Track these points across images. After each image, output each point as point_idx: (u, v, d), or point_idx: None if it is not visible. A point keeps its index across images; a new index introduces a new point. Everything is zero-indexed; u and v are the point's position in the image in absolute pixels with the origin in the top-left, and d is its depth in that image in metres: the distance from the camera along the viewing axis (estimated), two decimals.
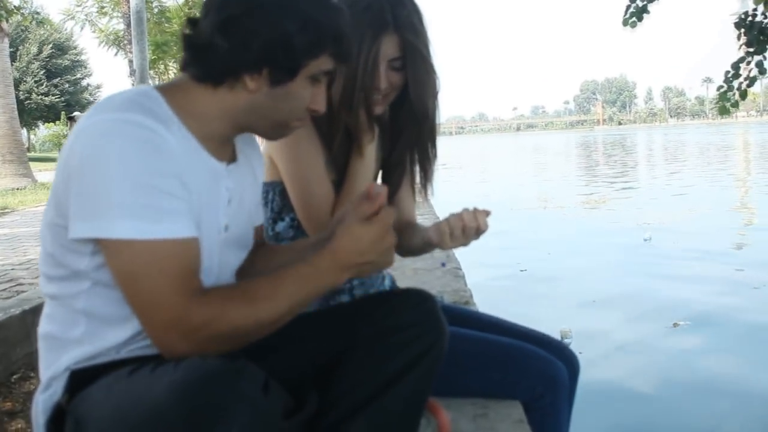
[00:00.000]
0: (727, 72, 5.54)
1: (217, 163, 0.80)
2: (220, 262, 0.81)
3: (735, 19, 5.64)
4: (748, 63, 5.51)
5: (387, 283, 1.23)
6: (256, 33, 0.73)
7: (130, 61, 10.37)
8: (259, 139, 0.92)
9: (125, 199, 0.68)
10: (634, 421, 2.42)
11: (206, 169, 0.78)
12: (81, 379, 0.74)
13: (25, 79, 28.83)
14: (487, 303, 2.48)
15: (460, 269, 2.50)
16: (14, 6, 10.39)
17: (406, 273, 2.43)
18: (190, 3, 14.21)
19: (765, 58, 5.49)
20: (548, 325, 2.95)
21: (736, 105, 5.53)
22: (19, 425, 1.64)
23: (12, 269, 3.10)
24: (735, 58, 5.53)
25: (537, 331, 1.25)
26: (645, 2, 5.65)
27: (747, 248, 5.65)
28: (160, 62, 15.49)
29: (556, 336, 2.50)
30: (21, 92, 26.95)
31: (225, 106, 0.77)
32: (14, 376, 1.98)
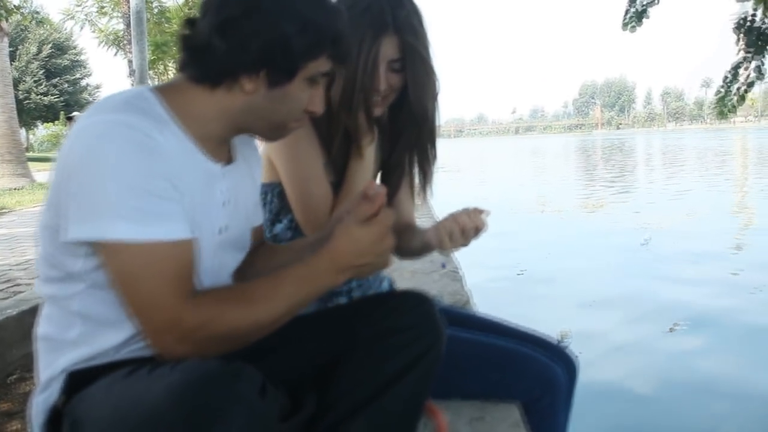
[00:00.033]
0: (726, 76, 5.56)
1: (213, 164, 0.79)
2: (216, 264, 0.81)
3: (734, 22, 5.66)
4: (747, 67, 5.53)
5: (385, 284, 1.23)
6: (254, 34, 0.73)
7: (130, 62, 10.37)
8: (258, 140, 0.92)
9: (119, 201, 0.68)
10: (632, 422, 2.42)
11: (201, 171, 0.77)
12: (78, 380, 0.73)
13: (24, 78, 28.82)
14: (485, 304, 2.48)
15: (459, 271, 2.50)
16: (14, 5, 10.39)
17: (405, 275, 2.43)
18: (190, 3, 14.21)
19: (763, 62, 5.51)
20: (546, 327, 2.96)
21: (734, 109, 5.55)
22: (17, 426, 1.64)
23: (9, 270, 3.09)
24: (735, 62, 5.55)
25: (535, 333, 1.25)
26: (644, 6, 5.67)
27: (744, 251, 5.67)
28: (160, 62, 15.48)
29: (555, 338, 2.51)
30: (20, 92, 26.92)
31: (222, 108, 0.77)
32: (11, 377, 1.98)
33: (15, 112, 10.93)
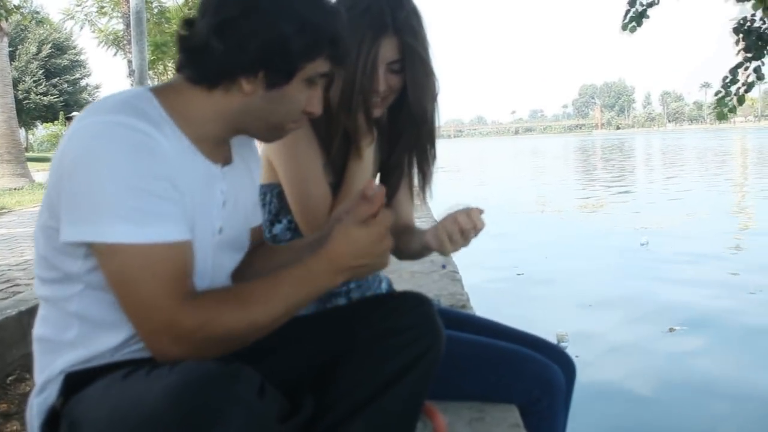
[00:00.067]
0: (725, 77, 5.57)
1: (212, 165, 0.79)
2: (214, 265, 0.80)
3: (733, 24, 5.67)
4: (746, 68, 5.54)
5: (384, 286, 1.23)
6: (252, 35, 0.73)
7: (129, 62, 10.37)
8: (257, 141, 0.92)
9: (117, 202, 0.67)
10: (631, 423, 2.42)
11: (200, 172, 0.77)
12: (76, 382, 0.73)
13: (23, 78, 28.78)
14: (484, 305, 2.48)
15: (457, 272, 2.50)
16: (14, 5, 10.39)
17: (403, 276, 2.43)
18: (190, 3, 14.21)
19: (763, 63, 5.52)
20: (545, 328, 2.97)
21: (733, 110, 5.55)
22: (15, 427, 1.64)
23: (9, 270, 3.09)
24: (734, 64, 5.56)
25: (533, 334, 1.25)
26: (644, 7, 5.67)
27: (743, 252, 5.67)
28: (160, 63, 15.48)
29: (552, 339, 2.51)
30: (19, 92, 26.88)
31: (220, 109, 0.77)
32: (10, 378, 1.98)
33: (14, 112, 10.93)
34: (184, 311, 0.69)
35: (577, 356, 1.30)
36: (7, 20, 10.55)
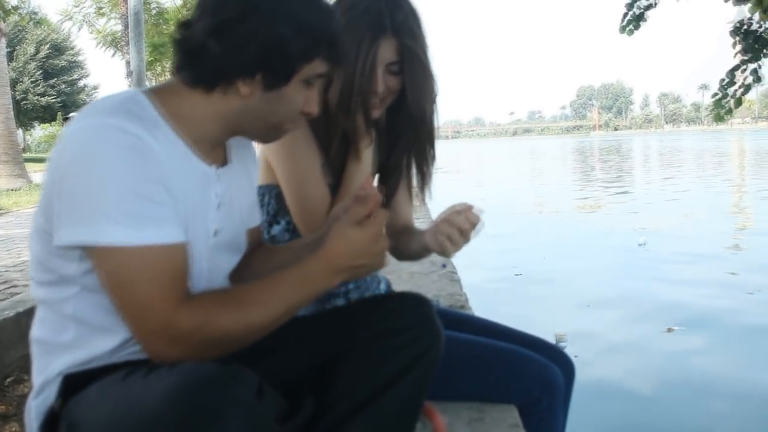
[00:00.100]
0: (723, 79, 5.59)
1: (207, 167, 0.79)
2: (210, 267, 0.80)
3: (731, 26, 5.69)
4: (744, 70, 5.56)
5: (383, 286, 1.23)
6: (250, 37, 0.73)
7: (128, 63, 10.35)
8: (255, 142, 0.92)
9: (111, 205, 0.67)
10: (630, 422, 2.43)
11: (195, 174, 0.77)
12: (74, 383, 0.73)
13: (21, 79, 28.73)
14: (483, 305, 2.49)
15: (456, 273, 2.51)
16: (12, 6, 10.37)
17: (402, 276, 2.43)
18: (188, 4, 14.22)
19: (760, 65, 5.54)
20: (544, 328, 2.98)
21: (730, 112, 5.58)
22: (14, 429, 1.63)
23: (6, 271, 3.08)
24: (732, 66, 5.58)
25: (532, 334, 1.25)
26: (642, 10, 5.69)
27: (741, 252, 5.69)
28: (158, 64, 15.47)
29: (551, 339, 2.51)
30: (17, 92, 26.84)
31: (217, 110, 0.77)
32: (8, 379, 1.97)
33: (12, 112, 10.90)
34: (181, 313, 0.69)
35: (576, 356, 1.31)
36: (5, 21, 10.53)
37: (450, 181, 13.93)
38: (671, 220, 7.34)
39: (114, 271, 0.69)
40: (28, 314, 2.15)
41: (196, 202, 0.77)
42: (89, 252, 0.70)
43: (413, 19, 1.03)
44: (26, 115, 29.27)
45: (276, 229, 1.12)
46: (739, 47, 5.57)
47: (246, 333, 0.73)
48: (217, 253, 0.82)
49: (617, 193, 10.84)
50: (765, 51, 5.43)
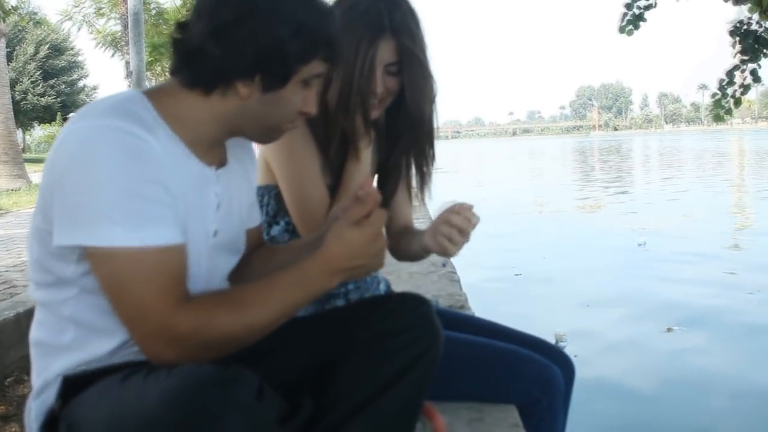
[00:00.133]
0: (722, 80, 5.60)
1: (206, 168, 0.79)
2: (209, 268, 0.80)
3: (730, 27, 5.69)
4: (743, 71, 5.56)
5: (382, 287, 1.23)
6: (249, 39, 0.72)
7: (127, 63, 10.35)
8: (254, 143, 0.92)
9: (109, 206, 0.67)
10: (630, 421, 2.43)
11: (194, 175, 0.77)
12: (74, 384, 0.73)
13: (21, 79, 28.69)
14: (483, 305, 2.49)
15: (456, 273, 2.51)
16: (11, 6, 10.37)
17: (402, 277, 2.43)
18: (187, 5, 14.21)
19: (759, 66, 5.54)
20: (544, 327, 2.98)
21: (729, 112, 5.58)
22: (14, 429, 1.63)
23: (6, 271, 3.08)
24: (731, 66, 5.59)
25: (532, 334, 1.25)
26: (641, 10, 5.69)
27: (740, 252, 5.70)
28: (157, 64, 15.46)
29: (551, 339, 2.51)
30: (17, 93, 26.80)
31: (215, 112, 0.77)
32: (8, 380, 1.97)
33: (12, 113, 10.90)
34: (179, 315, 0.69)
35: (575, 356, 1.31)
36: (4, 21, 10.53)
37: (450, 181, 13.94)
38: (671, 220, 7.35)
39: (112, 273, 0.69)
40: (28, 315, 2.15)
41: (195, 203, 0.77)
42: (87, 253, 0.70)
43: (412, 19, 1.03)
44: (26, 115, 29.24)
45: (275, 230, 1.12)
46: (738, 47, 5.58)
47: (245, 334, 0.73)
48: (216, 253, 0.82)
49: (617, 193, 10.85)
50: (764, 51, 5.44)
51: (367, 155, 1.09)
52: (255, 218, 0.94)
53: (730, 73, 5.54)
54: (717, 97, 5.62)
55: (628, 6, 5.74)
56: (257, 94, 0.76)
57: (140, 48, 5.49)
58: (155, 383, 0.66)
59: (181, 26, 0.77)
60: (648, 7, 5.69)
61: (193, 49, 0.74)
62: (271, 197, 1.11)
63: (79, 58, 33.28)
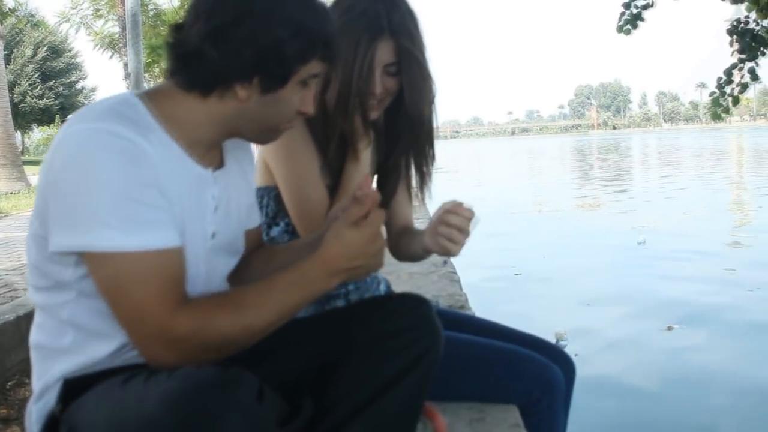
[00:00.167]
0: (720, 78, 5.61)
1: (203, 170, 0.79)
2: (207, 270, 0.80)
3: (728, 25, 5.70)
4: (741, 69, 5.57)
5: (382, 287, 1.23)
6: (246, 41, 0.72)
7: (125, 64, 10.34)
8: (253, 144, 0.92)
9: (105, 211, 0.67)
10: (631, 420, 2.43)
11: (190, 177, 0.77)
12: (75, 387, 0.73)
13: (19, 81, 28.66)
14: (483, 305, 2.49)
15: (456, 273, 2.51)
16: (9, 8, 10.37)
17: (402, 277, 2.43)
18: (185, 6, 14.19)
19: (757, 64, 5.55)
20: (543, 327, 2.98)
21: (727, 111, 5.59)
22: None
23: (6, 274, 3.08)
24: (729, 65, 5.60)
25: (532, 334, 1.25)
26: (639, 9, 5.70)
27: (740, 249, 5.70)
28: (156, 65, 15.45)
29: (551, 338, 2.51)
30: (15, 95, 26.77)
31: (213, 114, 0.77)
32: (9, 383, 1.97)
33: (10, 115, 10.89)
34: (177, 318, 0.69)
35: (576, 354, 1.31)
36: (2, 23, 10.52)
37: (449, 181, 13.94)
38: (670, 218, 7.36)
39: (109, 276, 0.69)
40: (29, 318, 2.15)
41: (192, 205, 0.77)
42: (84, 257, 0.70)
43: (410, 20, 1.03)
44: (24, 117, 29.20)
45: (275, 231, 1.12)
46: (736, 46, 5.59)
47: (244, 336, 0.72)
48: (215, 255, 0.81)
49: (616, 192, 10.86)
50: (762, 49, 5.44)
51: (366, 156, 1.09)
52: (254, 219, 0.94)
53: (728, 72, 5.55)
54: (715, 96, 5.63)
55: (627, 5, 5.74)
56: (256, 95, 0.75)
57: (138, 49, 5.48)
58: (155, 386, 0.66)
59: (176, 28, 0.76)
60: (646, 7, 5.69)
61: (190, 51, 0.74)
62: (270, 198, 1.11)
63: (78, 60, 33.24)
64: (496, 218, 7.22)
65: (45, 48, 30.02)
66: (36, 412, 0.77)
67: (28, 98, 29.29)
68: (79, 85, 33.24)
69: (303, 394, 0.80)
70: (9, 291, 2.66)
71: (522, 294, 4.32)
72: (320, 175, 1.08)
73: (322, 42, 0.75)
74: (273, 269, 0.81)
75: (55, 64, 30.81)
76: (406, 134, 1.11)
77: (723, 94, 5.54)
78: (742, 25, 5.57)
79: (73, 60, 32.63)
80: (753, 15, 5.43)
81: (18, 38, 29.09)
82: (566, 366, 1.19)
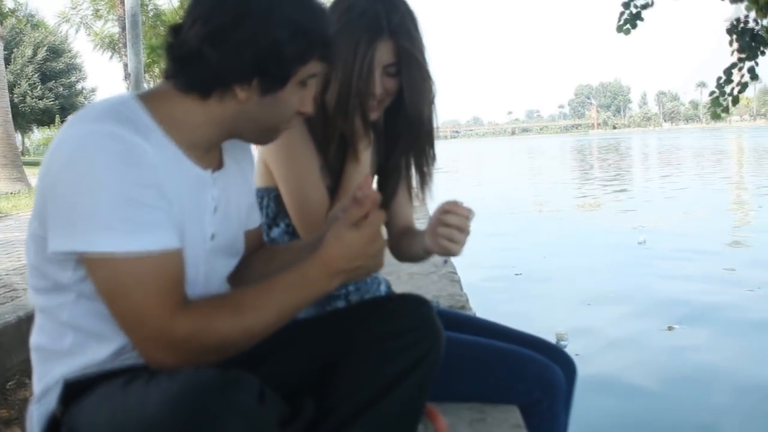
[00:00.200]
0: (719, 78, 5.61)
1: (202, 171, 0.79)
2: (206, 272, 0.80)
3: (727, 25, 5.70)
4: (740, 69, 5.57)
5: (383, 288, 1.23)
6: (246, 43, 0.72)
7: (125, 65, 10.34)
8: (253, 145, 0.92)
9: (103, 212, 0.67)
10: (633, 419, 2.43)
11: (190, 178, 0.77)
12: (75, 389, 0.73)
13: (19, 82, 28.65)
14: (483, 305, 2.49)
15: (456, 273, 2.51)
16: (9, 9, 10.37)
17: (402, 277, 2.43)
18: (185, 6, 14.19)
19: (757, 64, 5.55)
20: (544, 327, 2.98)
21: (727, 110, 5.59)
22: None
23: (6, 275, 3.08)
24: (729, 64, 5.60)
25: (533, 335, 1.25)
26: (638, 9, 5.70)
27: (740, 249, 5.70)
28: (156, 66, 15.46)
29: (552, 338, 2.51)
30: (15, 96, 26.76)
31: (212, 116, 0.77)
32: (9, 384, 1.97)
33: (10, 116, 10.89)
34: (177, 319, 0.69)
35: (577, 354, 1.31)
36: (2, 24, 10.52)
37: (449, 181, 13.94)
38: (670, 217, 7.36)
39: (108, 278, 0.69)
40: (30, 319, 2.15)
41: (192, 207, 0.77)
42: (83, 259, 0.70)
43: (410, 20, 1.03)
44: (24, 118, 29.19)
45: (275, 232, 1.12)
46: (735, 45, 5.59)
47: (243, 338, 0.72)
48: (214, 257, 0.81)
49: (616, 192, 10.86)
50: (761, 49, 5.44)
51: (366, 156, 1.09)
52: (254, 219, 0.94)
53: (727, 71, 5.56)
54: (715, 95, 5.63)
55: (626, 5, 5.75)
56: (255, 97, 0.75)
57: (138, 50, 5.48)
58: (156, 388, 0.66)
59: (174, 30, 0.76)
60: (645, 6, 5.70)
61: (189, 53, 0.73)
62: (270, 199, 1.11)
63: (77, 61, 33.23)
64: (496, 218, 7.22)
65: (45, 48, 30.02)
66: (37, 413, 0.77)
67: (28, 99, 29.29)
68: (79, 86, 33.24)
69: (304, 395, 0.80)
70: (9, 291, 2.66)
71: (522, 294, 4.32)
72: (320, 176, 1.08)
73: (320, 42, 0.75)
74: (274, 270, 0.81)
75: (55, 64, 30.81)
76: (406, 135, 1.11)
77: (723, 93, 5.54)
78: (741, 24, 5.57)
79: (73, 60, 32.63)
80: (752, 14, 5.43)
81: (18, 39, 29.08)
82: (567, 366, 1.19)
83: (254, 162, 0.95)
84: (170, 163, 0.74)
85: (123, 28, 9.71)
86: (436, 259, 2.56)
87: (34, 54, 29.90)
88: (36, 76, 29.66)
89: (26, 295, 2.53)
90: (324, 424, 0.80)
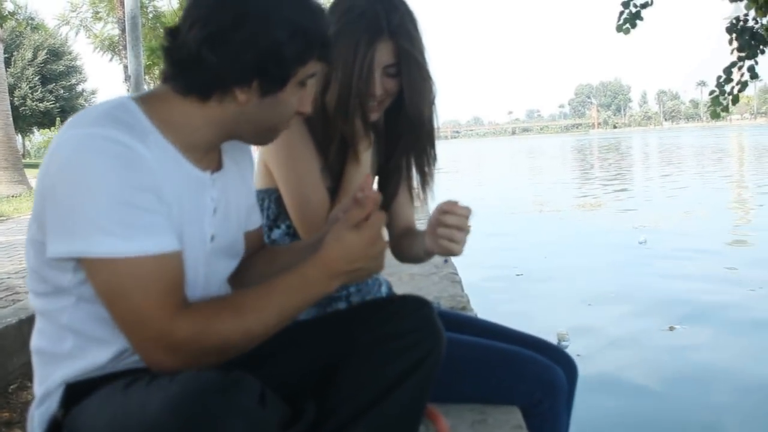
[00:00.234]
0: (719, 77, 5.60)
1: (201, 172, 0.79)
2: (206, 273, 0.80)
3: (727, 23, 5.70)
4: (740, 67, 5.57)
5: (384, 289, 1.23)
6: (245, 45, 0.72)
7: (125, 67, 10.36)
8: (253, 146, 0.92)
9: (101, 216, 0.67)
10: (634, 419, 2.43)
11: (188, 180, 0.77)
12: (76, 392, 0.73)
13: (19, 84, 28.69)
14: (484, 306, 2.49)
15: (457, 274, 2.51)
16: (8, 11, 10.38)
17: (403, 278, 2.43)
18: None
19: (757, 62, 5.55)
20: (545, 327, 2.98)
21: (727, 109, 5.59)
22: None
23: (8, 278, 3.08)
24: (729, 63, 5.59)
25: (534, 335, 1.25)
26: (638, 8, 5.70)
27: (742, 248, 5.69)
28: (156, 67, 15.47)
29: (553, 339, 2.51)
30: (16, 98, 26.79)
31: (212, 118, 0.77)
32: (11, 386, 1.97)
33: (11, 118, 10.90)
34: (177, 322, 0.69)
35: (578, 355, 1.31)
36: (2, 26, 10.54)
37: (450, 181, 13.94)
38: (671, 217, 7.35)
39: (108, 282, 0.69)
40: (31, 321, 2.15)
41: (191, 208, 0.77)
42: (82, 263, 0.70)
43: (410, 20, 1.03)
44: (25, 120, 29.22)
45: (276, 233, 1.12)
46: (735, 44, 5.59)
47: (244, 340, 0.72)
48: (215, 258, 0.81)
49: (617, 191, 10.85)
50: (761, 47, 5.44)
51: (366, 157, 1.09)
52: (255, 220, 0.94)
53: (727, 70, 5.55)
54: (715, 94, 5.63)
55: (625, 4, 5.74)
56: (255, 98, 0.75)
57: (138, 52, 5.49)
58: (157, 390, 0.66)
59: (172, 33, 0.76)
60: (644, 5, 5.69)
61: (188, 56, 0.73)
62: (271, 201, 1.11)
63: (78, 63, 33.26)
64: (497, 218, 7.21)
65: (45, 51, 30.05)
66: (38, 416, 0.77)
67: (29, 101, 29.32)
68: (79, 88, 33.26)
69: (305, 397, 0.80)
70: (11, 294, 2.66)
71: (523, 294, 4.32)
72: (321, 177, 1.08)
73: (319, 42, 0.75)
74: (275, 271, 0.81)
75: (55, 66, 30.84)
76: (406, 135, 1.10)
77: (723, 92, 5.54)
78: (741, 23, 5.57)
79: (73, 63, 32.65)
80: (752, 13, 5.43)
81: (18, 41, 29.12)
82: (568, 367, 1.19)
83: (254, 163, 0.95)
84: (169, 165, 0.74)
85: (123, 30, 9.72)
86: (437, 260, 2.56)
87: (34, 56, 29.93)
88: (36, 78, 29.69)
89: (28, 297, 2.53)
90: (325, 426, 0.80)
